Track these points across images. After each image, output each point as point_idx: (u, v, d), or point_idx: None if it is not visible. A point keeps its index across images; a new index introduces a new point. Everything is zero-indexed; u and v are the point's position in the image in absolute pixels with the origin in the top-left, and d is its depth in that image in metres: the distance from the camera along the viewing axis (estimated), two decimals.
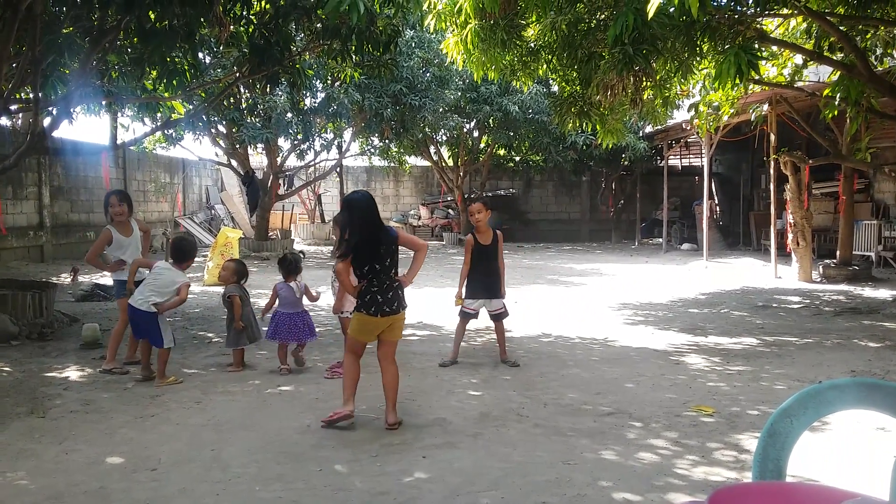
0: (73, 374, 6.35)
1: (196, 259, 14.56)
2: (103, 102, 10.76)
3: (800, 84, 11.74)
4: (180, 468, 4.11)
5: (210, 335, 8.00)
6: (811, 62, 10.60)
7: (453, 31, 8.57)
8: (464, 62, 8.84)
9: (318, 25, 8.90)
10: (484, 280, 6.79)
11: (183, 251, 6.32)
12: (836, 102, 9.92)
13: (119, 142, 13.11)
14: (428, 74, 18.07)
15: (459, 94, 20.00)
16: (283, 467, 4.13)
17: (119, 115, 13.78)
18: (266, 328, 6.80)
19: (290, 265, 6.66)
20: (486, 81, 17.48)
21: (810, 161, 13.23)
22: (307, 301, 6.71)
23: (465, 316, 6.87)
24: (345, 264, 4.93)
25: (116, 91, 10.25)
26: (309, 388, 5.87)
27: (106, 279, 12.62)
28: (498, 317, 6.88)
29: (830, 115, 10.85)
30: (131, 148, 16.42)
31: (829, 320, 9.18)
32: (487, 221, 6.87)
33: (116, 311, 9.57)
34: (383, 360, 5.08)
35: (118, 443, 4.55)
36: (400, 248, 5.08)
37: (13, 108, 9.79)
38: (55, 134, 9.34)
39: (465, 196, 24.80)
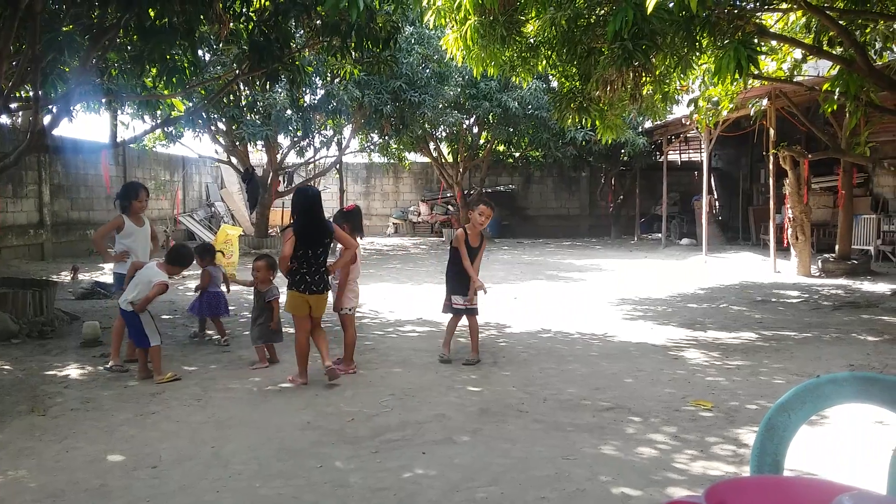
0: (73, 372, 6.37)
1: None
2: (103, 100, 10.76)
3: (799, 79, 11.72)
4: (181, 465, 4.12)
5: (210, 332, 8.00)
6: (810, 57, 10.57)
7: (453, 27, 8.56)
8: (463, 58, 8.83)
9: (318, 22, 8.90)
10: (465, 278, 6.75)
11: (179, 255, 6.42)
12: (836, 97, 9.92)
13: (119, 140, 13.09)
14: (427, 71, 18.05)
15: (459, 90, 19.96)
16: (283, 464, 4.14)
17: (119, 112, 13.76)
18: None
19: (212, 251, 7.89)
20: (485, 77, 17.46)
21: (809, 155, 13.23)
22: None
23: (457, 312, 6.85)
24: (292, 243, 5.76)
25: (116, 89, 10.24)
26: (309, 386, 5.88)
27: (107, 276, 12.63)
28: (471, 312, 6.82)
29: (830, 110, 10.84)
30: (131, 146, 16.41)
31: (827, 314, 9.19)
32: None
33: (117, 308, 9.62)
34: (314, 331, 6.03)
35: (119, 440, 4.56)
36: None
37: (13, 106, 9.78)
38: (55, 132, 9.34)
39: (465, 192, 24.77)
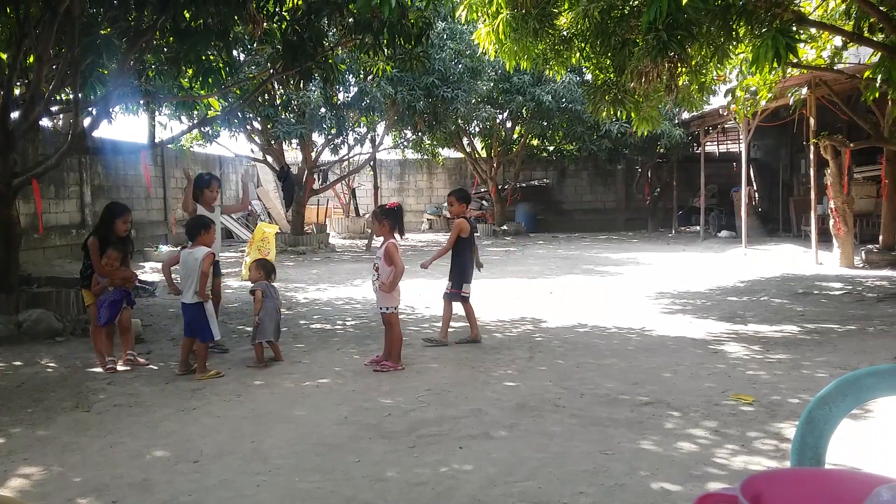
0: (116, 368, 6.47)
1: (233, 254, 14.74)
2: (141, 102, 10.94)
3: (839, 66, 11.49)
4: (222, 460, 4.18)
5: (249, 329, 8.09)
6: (851, 44, 10.37)
7: (485, 21, 8.55)
8: (496, 52, 8.81)
9: (350, 20, 8.96)
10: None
11: (196, 226, 6.41)
12: (878, 84, 9.70)
13: (157, 140, 13.33)
14: (460, 66, 18.04)
15: (492, 84, 19.94)
16: (321, 458, 4.18)
17: (157, 113, 14.01)
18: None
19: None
20: (518, 71, 17.40)
21: (851, 145, 12.95)
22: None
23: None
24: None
25: (154, 90, 10.42)
26: (346, 381, 5.92)
27: (147, 275, 12.85)
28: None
29: (872, 98, 10.61)
30: (169, 146, 16.67)
31: (871, 306, 9.00)
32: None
33: (158, 306, 9.79)
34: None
35: (161, 435, 4.63)
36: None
37: (54, 109, 9.99)
38: (95, 134, 9.53)
39: (499, 187, 24.74)
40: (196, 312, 6.14)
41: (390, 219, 6.41)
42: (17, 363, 6.73)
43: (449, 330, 7.38)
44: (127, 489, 3.79)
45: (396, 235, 6.46)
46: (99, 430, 4.76)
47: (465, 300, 7.38)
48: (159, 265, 14.85)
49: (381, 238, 6.46)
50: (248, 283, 11.39)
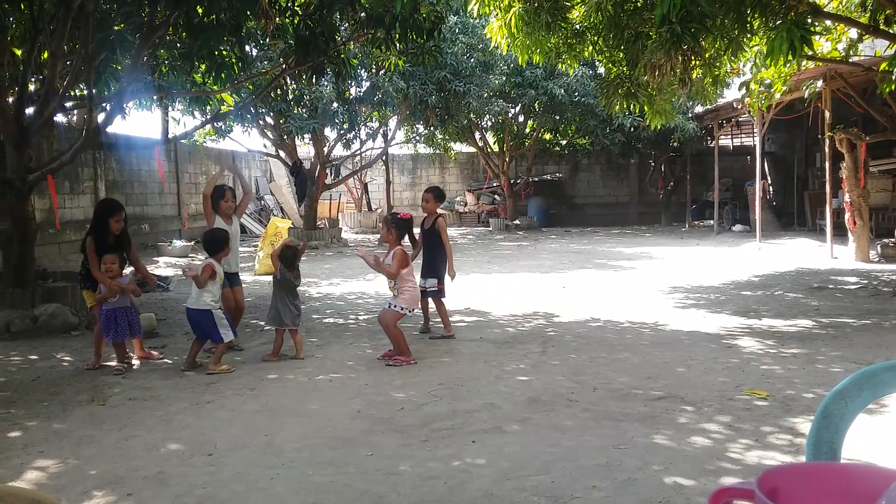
0: (133, 365, 6.51)
1: (246, 248, 14.78)
2: (154, 97, 10.98)
3: (855, 59, 11.39)
4: (236, 453, 4.20)
5: (261, 323, 8.13)
6: (867, 36, 10.26)
7: (497, 15, 8.53)
8: (508, 46, 8.79)
9: (362, 14, 8.96)
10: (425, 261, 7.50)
11: (212, 241, 6.50)
12: (894, 77, 9.61)
13: (171, 135, 13.40)
14: (472, 60, 17.99)
15: (504, 78, 19.87)
16: (334, 452, 4.19)
17: (170, 109, 14.08)
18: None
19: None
20: (530, 65, 17.36)
21: (867, 138, 12.84)
22: None
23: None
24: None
25: (167, 85, 10.46)
26: (359, 375, 5.94)
27: (162, 270, 12.92)
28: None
29: (888, 90, 10.51)
30: (182, 141, 16.73)
31: (887, 301, 8.93)
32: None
33: (172, 301, 9.85)
34: None
35: (175, 429, 4.66)
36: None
37: (68, 104, 10.04)
38: (109, 129, 9.58)
39: (511, 182, 24.68)
40: (203, 317, 6.20)
41: (399, 228, 6.55)
42: (33, 357, 6.79)
43: (452, 323, 7.52)
44: (142, 482, 3.81)
45: (406, 240, 6.67)
46: (114, 423, 4.80)
47: (427, 294, 7.43)
48: (173, 260, 14.96)
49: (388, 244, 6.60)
50: (261, 278, 11.47)
